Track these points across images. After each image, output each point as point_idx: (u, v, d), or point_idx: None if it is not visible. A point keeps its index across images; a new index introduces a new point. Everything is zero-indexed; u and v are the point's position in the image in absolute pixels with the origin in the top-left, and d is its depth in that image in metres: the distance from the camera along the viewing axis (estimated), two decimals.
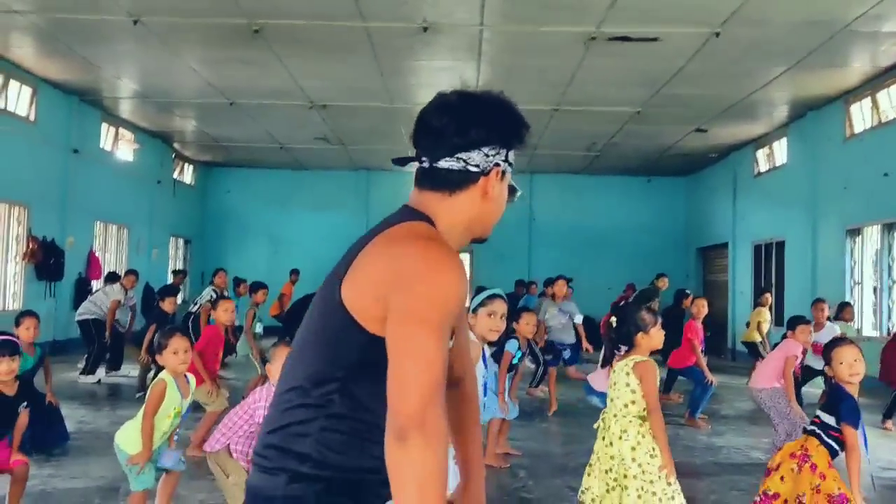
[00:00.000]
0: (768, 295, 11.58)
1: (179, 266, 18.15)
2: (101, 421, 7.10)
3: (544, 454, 6.27)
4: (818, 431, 3.67)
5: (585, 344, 9.03)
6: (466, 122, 1.58)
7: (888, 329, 10.68)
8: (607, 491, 3.53)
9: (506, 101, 1.65)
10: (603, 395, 6.44)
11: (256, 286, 9.05)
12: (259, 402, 3.77)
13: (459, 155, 1.58)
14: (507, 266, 17.18)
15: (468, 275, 18.86)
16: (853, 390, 3.65)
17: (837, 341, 3.90)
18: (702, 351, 7.92)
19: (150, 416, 3.83)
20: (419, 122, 1.65)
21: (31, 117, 12.09)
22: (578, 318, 8.86)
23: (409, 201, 1.67)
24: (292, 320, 11.54)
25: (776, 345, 7.41)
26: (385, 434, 1.37)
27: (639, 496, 3.41)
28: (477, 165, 1.58)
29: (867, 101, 11.19)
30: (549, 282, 10.42)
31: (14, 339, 4.30)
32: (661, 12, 8.39)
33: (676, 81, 10.80)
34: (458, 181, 1.59)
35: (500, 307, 3.96)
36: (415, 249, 1.46)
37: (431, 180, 1.61)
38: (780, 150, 14.21)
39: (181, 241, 18.59)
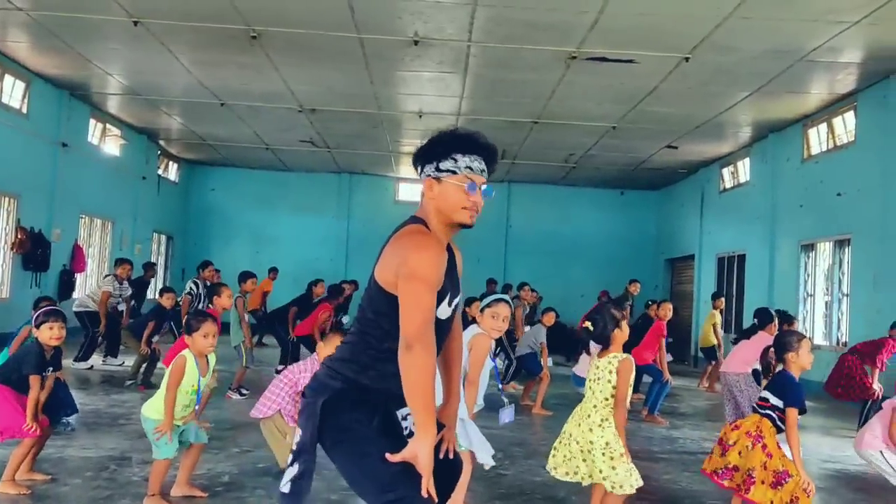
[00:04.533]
0: (722, 300, 12.29)
1: (161, 262, 18.47)
2: (99, 403, 7.48)
3: (519, 441, 6.80)
4: (772, 415, 4.25)
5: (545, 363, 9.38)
6: (419, 152, 2.41)
7: (837, 339, 11.42)
8: (583, 460, 4.06)
9: (442, 133, 2.39)
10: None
11: (245, 276, 9.44)
12: (304, 373, 4.20)
13: (418, 174, 2.43)
14: (483, 269, 17.68)
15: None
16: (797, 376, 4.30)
17: (801, 334, 4.50)
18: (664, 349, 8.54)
19: (172, 388, 4.24)
20: None
21: (24, 110, 12.37)
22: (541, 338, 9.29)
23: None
24: (272, 318, 11.97)
25: (737, 339, 8.05)
26: (399, 347, 2.19)
27: (610, 468, 3.96)
28: (420, 179, 2.42)
29: (823, 126, 11.96)
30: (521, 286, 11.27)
31: (58, 307, 4.74)
32: (636, 37, 9.01)
33: (650, 100, 11.47)
34: (421, 191, 2.43)
35: (503, 310, 4.31)
36: (408, 240, 2.30)
37: None
38: (744, 169, 14.98)
39: (164, 238, 18.86)
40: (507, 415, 4.35)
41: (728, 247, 15.42)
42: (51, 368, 4.57)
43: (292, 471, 2.36)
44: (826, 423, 8.85)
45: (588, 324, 4.29)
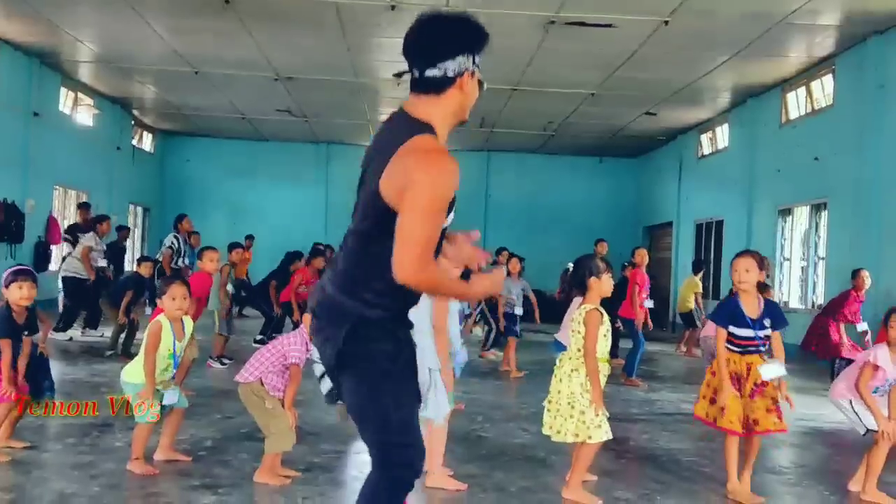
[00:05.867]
0: (702, 272, 12.39)
1: (138, 234, 18.27)
2: (80, 373, 7.44)
3: (499, 405, 6.87)
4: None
5: (537, 314, 9.52)
6: (441, 39, 2.14)
7: (812, 302, 11.60)
8: (553, 419, 4.14)
9: (469, 17, 2.20)
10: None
11: (231, 246, 9.42)
12: (294, 345, 4.18)
13: (440, 65, 2.13)
14: None
15: None
16: (743, 298, 4.28)
17: (739, 253, 4.49)
18: (646, 298, 8.59)
19: (150, 353, 4.23)
20: (407, 41, 2.19)
21: None
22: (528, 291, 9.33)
23: (407, 106, 2.21)
24: (255, 293, 11.84)
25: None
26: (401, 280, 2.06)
27: (573, 420, 4.04)
28: (454, 71, 2.15)
29: (802, 90, 12.02)
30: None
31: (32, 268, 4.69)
32: (615, 0, 8.95)
33: (628, 66, 11.43)
34: (442, 85, 2.16)
35: None
36: (430, 160, 2.07)
37: (423, 86, 2.17)
38: (722, 135, 15.05)
39: (140, 209, 18.64)
40: (461, 356, 4.54)
41: (706, 213, 15.54)
42: (25, 332, 4.52)
43: (326, 384, 2.38)
44: (801, 384, 9.01)
45: (570, 265, 4.37)
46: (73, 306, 10.05)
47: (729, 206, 14.20)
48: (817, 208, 11.59)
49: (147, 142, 18.80)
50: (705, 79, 12.14)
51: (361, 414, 2.26)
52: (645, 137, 17.07)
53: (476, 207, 19.15)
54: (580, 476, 4.14)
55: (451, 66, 2.13)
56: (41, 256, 13.19)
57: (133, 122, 17.52)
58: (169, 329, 4.33)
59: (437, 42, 2.14)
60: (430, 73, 2.14)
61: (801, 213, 12.13)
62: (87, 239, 10.19)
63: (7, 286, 4.45)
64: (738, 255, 4.40)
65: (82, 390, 6.54)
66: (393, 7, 9.39)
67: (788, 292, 12.27)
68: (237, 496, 3.93)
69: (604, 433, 4.02)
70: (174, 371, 4.41)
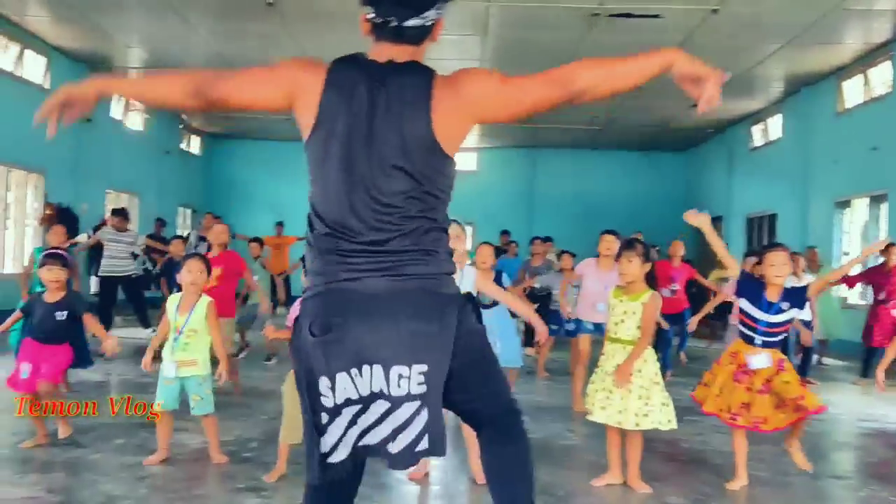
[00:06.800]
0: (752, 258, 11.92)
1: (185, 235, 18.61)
2: (129, 373, 7.57)
3: (546, 406, 6.75)
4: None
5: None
6: None
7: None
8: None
9: None
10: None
11: (250, 241, 9.65)
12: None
13: (424, 14, 1.98)
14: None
15: (470, 244, 19.33)
16: (771, 290, 4.22)
17: (770, 246, 4.42)
18: (674, 290, 8.33)
19: (160, 326, 4.60)
20: None
21: (46, 85, 12.42)
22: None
23: (382, 54, 2.03)
24: None
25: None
26: (571, 89, 2.04)
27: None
28: (432, 20, 2.01)
29: (859, 78, 11.56)
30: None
31: (63, 252, 4.89)
32: None
33: None
34: (422, 35, 2.03)
35: (454, 230, 4.11)
36: (466, 70, 2.08)
37: (400, 37, 2.00)
38: (775, 126, 14.59)
39: (188, 211, 18.98)
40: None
41: (758, 207, 15.10)
42: (65, 312, 4.66)
43: (420, 420, 1.88)
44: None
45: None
46: (137, 299, 10.45)
47: (783, 200, 13.76)
48: (876, 200, 11.14)
49: (195, 145, 19.14)
50: (757, 68, 11.77)
51: (484, 389, 2.06)
52: (693, 130, 16.67)
53: (522, 203, 18.99)
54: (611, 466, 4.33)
55: (431, 14, 1.99)
56: (95, 259, 13.51)
57: (181, 126, 17.85)
58: (175, 301, 4.44)
59: None
60: (412, 22, 1.98)
61: (860, 206, 11.67)
62: (102, 232, 10.55)
63: (41, 267, 4.73)
64: (773, 247, 4.33)
65: (133, 389, 6.64)
66: None
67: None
68: (280, 499, 3.91)
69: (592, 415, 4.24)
70: (177, 347, 4.35)
